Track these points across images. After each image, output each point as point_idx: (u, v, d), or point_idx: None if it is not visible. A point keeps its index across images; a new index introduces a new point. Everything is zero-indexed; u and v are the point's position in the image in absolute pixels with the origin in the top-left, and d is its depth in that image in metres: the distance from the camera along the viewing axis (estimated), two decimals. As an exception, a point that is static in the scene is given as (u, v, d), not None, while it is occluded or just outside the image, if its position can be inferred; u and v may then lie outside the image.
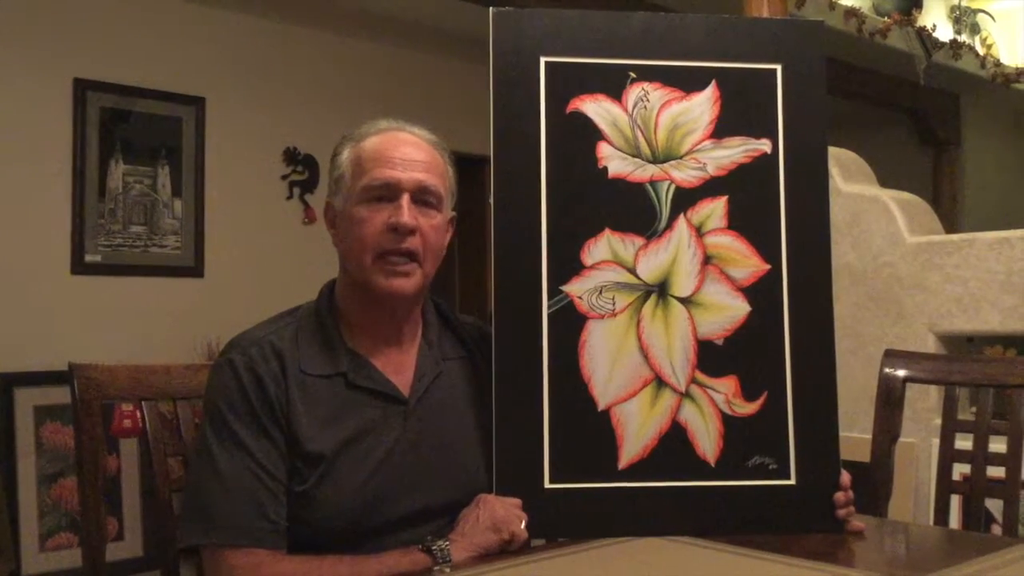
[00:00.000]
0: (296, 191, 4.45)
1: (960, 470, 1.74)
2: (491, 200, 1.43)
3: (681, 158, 1.46)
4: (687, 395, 1.41)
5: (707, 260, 1.44)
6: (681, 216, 1.44)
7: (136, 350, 3.53)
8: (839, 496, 1.40)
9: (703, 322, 1.43)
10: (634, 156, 1.45)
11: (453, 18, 4.55)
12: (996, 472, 1.67)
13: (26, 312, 3.61)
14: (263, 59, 4.33)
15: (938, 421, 1.82)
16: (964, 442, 1.72)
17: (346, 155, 1.40)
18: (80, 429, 1.39)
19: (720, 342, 1.43)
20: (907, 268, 2.68)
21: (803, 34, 1.53)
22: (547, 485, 1.38)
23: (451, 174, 1.44)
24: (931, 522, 1.81)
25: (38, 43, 3.69)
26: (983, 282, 2.54)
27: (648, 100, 1.46)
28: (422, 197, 1.36)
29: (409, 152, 1.37)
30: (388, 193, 1.35)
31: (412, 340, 1.42)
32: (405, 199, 1.34)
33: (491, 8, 1.45)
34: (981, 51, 5.81)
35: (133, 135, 3.94)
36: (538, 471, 1.38)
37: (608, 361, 1.41)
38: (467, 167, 4.52)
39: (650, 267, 1.43)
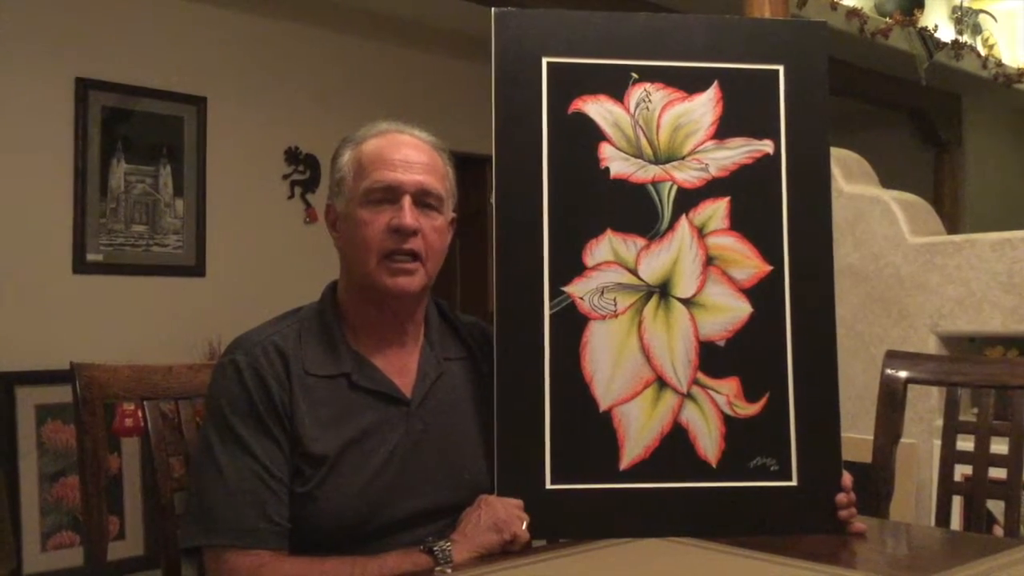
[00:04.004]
0: (297, 191, 4.45)
1: (962, 471, 1.74)
2: (492, 200, 1.43)
3: (683, 159, 1.45)
4: (689, 396, 1.41)
5: (709, 261, 1.44)
6: (683, 217, 1.44)
7: (138, 349, 3.53)
8: (841, 497, 1.40)
9: (705, 323, 1.43)
10: (636, 157, 1.45)
11: (455, 18, 4.55)
12: (997, 473, 1.67)
13: (28, 311, 3.62)
14: (265, 59, 4.34)
15: (939, 422, 1.82)
16: (966, 443, 1.72)
17: (347, 157, 1.40)
18: (82, 428, 1.39)
19: (722, 343, 1.43)
20: (909, 269, 2.68)
21: (805, 35, 1.53)
22: (548, 486, 1.37)
23: (451, 176, 1.44)
24: (932, 523, 1.81)
25: (40, 42, 3.70)
26: (985, 283, 2.54)
27: (650, 101, 1.46)
28: (423, 199, 1.37)
29: (410, 154, 1.38)
30: (390, 195, 1.35)
31: (415, 341, 1.43)
32: (407, 201, 1.35)
33: (493, 8, 1.45)
34: (983, 51, 5.82)
35: (135, 134, 3.95)
36: (539, 472, 1.37)
37: (610, 362, 1.41)
38: (469, 167, 4.53)
39: (652, 268, 1.43)
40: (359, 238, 1.35)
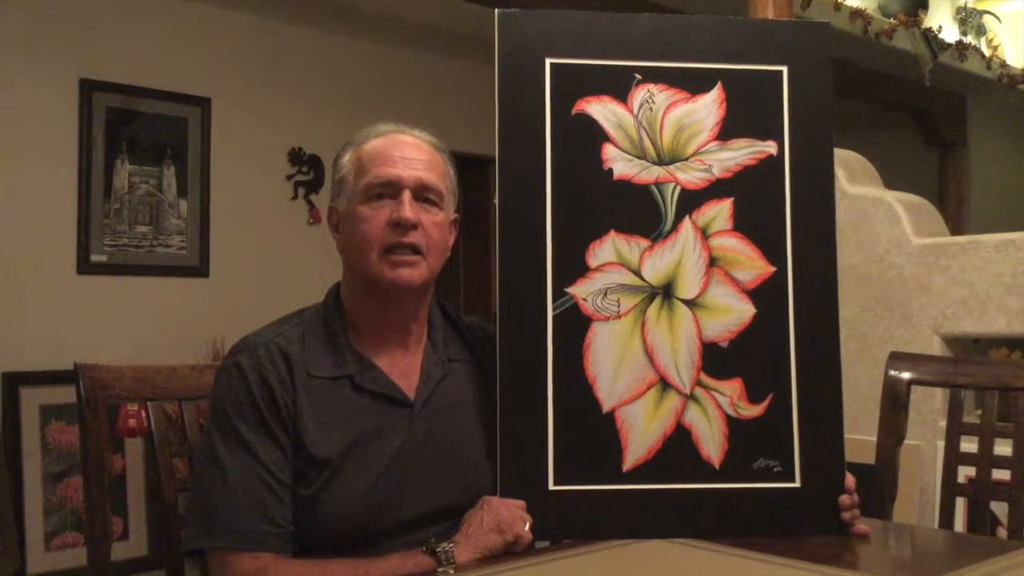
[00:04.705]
0: (301, 191, 4.45)
1: (965, 473, 1.73)
2: (496, 201, 1.43)
3: (687, 160, 1.45)
4: (692, 397, 1.41)
5: (712, 262, 1.44)
6: (687, 218, 1.44)
7: (141, 350, 3.53)
8: (844, 499, 1.40)
9: (708, 324, 1.43)
10: (639, 158, 1.45)
11: (459, 19, 4.55)
12: (1001, 475, 1.67)
13: (32, 312, 3.62)
14: (268, 60, 4.34)
15: (943, 424, 1.82)
16: (969, 445, 1.71)
17: (347, 158, 1.41)
18: (85, 429, 1.40)
19: (725, 344, 1.43)
20: (912, 270, 2.68)
21: (810, 35, 1.52)
22: (551, 487, 1.37)
23: (452, 175, 1.44)
24: (936, 525, 1.81)
25: (44, 43, 3.70)
26: (989, 284, 2.54)
27: (654, 102, 1.46)
28: (423, 194, 1.37)
29: (409, 152, 1.39)
30: (389, 190, 1.36)
31: (418, 342, 1.43)
32: (406, 195, 1.35)
33: (496, 9, 1.45)
34: (987, 52, 5.80)
35: (139, 135, 3.95)
36: (542, 473, 1.37)
37: (613, 363, 1.40)
38: (472, 168, 4.52)
39: (655, 269, 1.43)
40: (360, 234, 1.36)
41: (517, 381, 1.39)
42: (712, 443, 1.41)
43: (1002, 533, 1.88)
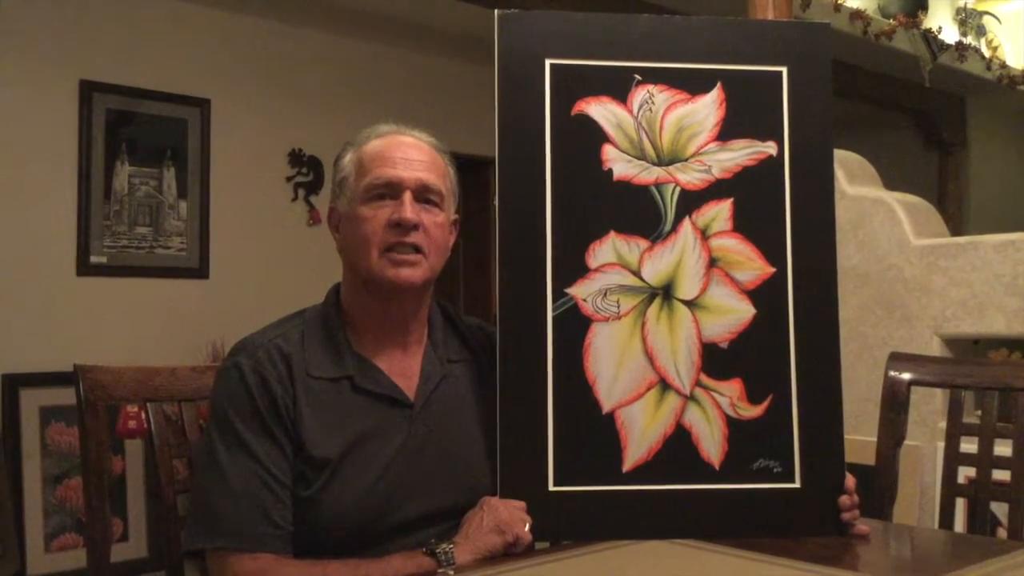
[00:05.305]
0: (301, 193, 4.45)
1: (965, 473, 1.74)
2: (495, 202, 1.43)
3: (686, 160, 1.45)
4: (692, 398, 1.41)
5: (712, 263, 1.44)
6: (686, 219, 1.44)
7: (141, 351, 3.54)
8: (844, 499, 1.40)
9: (708, 325, 1.43)
10: (639, 159, 1.45)
11: (458, 20, 4.55)
12: (1001, 475, 1.67)
13: (32, 313, 3.62)
14: (268, 61, 4.34)
15: (943, 424, 1.82)
16: (969, 445, 1.71)
17: (348, 158, 1.42)
18: (85, 430, 1.40)
19: (725, 345, 1.43)
20: (912, 271, 2.68)
21: (810, 36, 1.52)
22: (551, 488, 1.37)
23: (452, 175, 1.45)
24: (936, 526, 1.81)
25: (44, 45, 3.70)
26: (988, 285, 2.54)
27: (653, 102, 1.46)
28: (424, 195, 1.38)
29: (410, 152, 1.39)
30: (390, 191, 1.36)
31: (418, 343, 1.43)
32: (407, 196, 1.36)
33: (496, 10, 1.46)
34: (987, 53, 5.80)
35: (139, 136, 3.95)
36: (542, 474, 1.37)
37: (613, 364, 1.40)
38: (472, 169, 4.53)
39: (655, 270, 1.43)
40: (361, 234, 1.36)
41: (517, 382, 1.39)
42: (712, 444, 1.41)
43: (1002, 533, 1.88)
